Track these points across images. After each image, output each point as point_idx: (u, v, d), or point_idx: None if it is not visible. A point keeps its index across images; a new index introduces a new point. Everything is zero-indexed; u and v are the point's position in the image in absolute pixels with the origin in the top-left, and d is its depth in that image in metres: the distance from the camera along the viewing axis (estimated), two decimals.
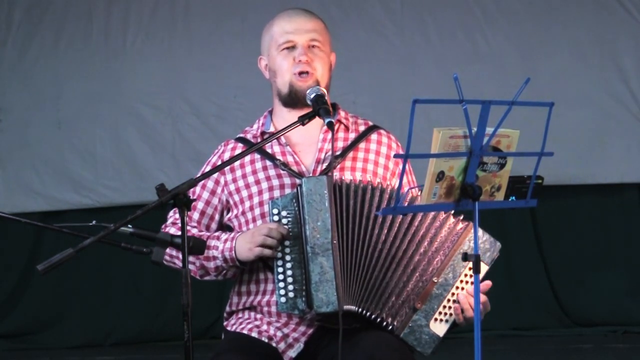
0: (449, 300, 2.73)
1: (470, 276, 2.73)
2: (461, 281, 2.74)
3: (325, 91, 2.85)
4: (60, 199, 6.43)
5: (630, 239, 6.35)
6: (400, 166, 2.37)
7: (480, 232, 2.71)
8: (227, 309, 2.94)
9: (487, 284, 2.76)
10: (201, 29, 6.38)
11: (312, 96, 2.82)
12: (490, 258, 2.75)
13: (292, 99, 2.90)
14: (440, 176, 2.32)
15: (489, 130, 2.34)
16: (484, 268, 2.74)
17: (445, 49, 6.25)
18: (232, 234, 2.85)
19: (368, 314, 2.72)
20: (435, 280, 2.72)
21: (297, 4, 3.25)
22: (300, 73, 2.87)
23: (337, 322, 2.64)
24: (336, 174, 2.83)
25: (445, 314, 2.74)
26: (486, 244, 2.74)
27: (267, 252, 2.72)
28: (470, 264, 2.70)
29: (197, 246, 2.53)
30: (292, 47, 2.90)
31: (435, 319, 2.73)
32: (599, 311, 6.24)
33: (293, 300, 2.71)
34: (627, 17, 6.21)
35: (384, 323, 2.72)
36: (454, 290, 2.74)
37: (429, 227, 2.75)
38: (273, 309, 2.81)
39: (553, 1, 6.25)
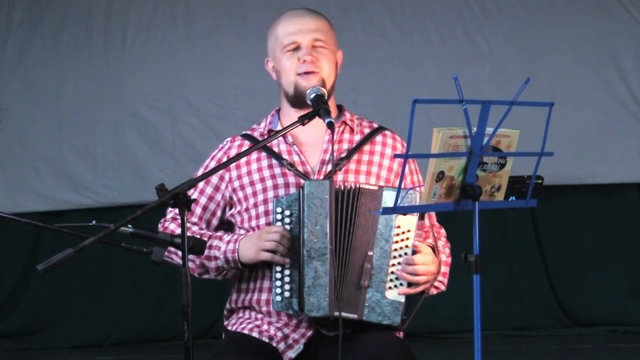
0: (393, 265, 2.72)
1: (403, 233, 2.71)
2: (396, 242, 2.72)
3: (325, 91, 2.84)
4: (60, 199, 6.43)
5: (630, 239, 6.35)
6: (406, 166, 2.37)
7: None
8: (227, 306, 2.95)
9: (415, 244, 2.73)
10: (201, 29, 6.38)
11: (312, 96, 2.82)
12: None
13: (298, 99, 2.89)
14: (440, 176, 2.32)
15: (489, 130, 2.34)
16: (412, 218, 2.72)
17: (445, 49, 6.25)
18: (235, 236, 2.85)
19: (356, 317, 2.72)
20: (371, 254, 2.72)
21: (298, 4, 3.25)
22: (306, 73, 2.87)
23: (330, 327, 2.67)
24: (340, 177, 2.84)
25: (397, 278, 2.73)
26: (404, 200, 2.70)
27: (278, 258, 2.73)
28: (397, 222, 2.71)
29: (197, 246, 2.53)
30: (297, 48, 2.89)
31: (390, 288, 2.72)
32: (599, 311, 6.25)
33: (288, 300, 2.72)
34: (627, 17, 6.21)
35: (350, 316, 2.71)
36: (393, 254, 2.72)
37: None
38: (271, 307, 2.81)
39: (553, 1, 6.25)
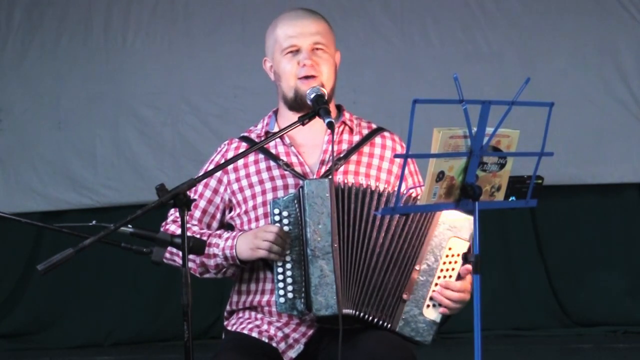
0: (436, 285, 2.73)
1: (452, 256, 2.72)
2: (444, 263, 2.73)
3: (325, 91, 2.84)
4: (60, 199, 6.43)
5: (630, 239, 6.35)
6: (406, 167, 2.37)
7: (452, 212, 2.70)
8: (228, 308, 2.95)
9: (468, 267, 2.73)
10: (201, 29, 6.38)
11: (311, 96, 2.82)
12: (468, 233, 2.73)
13: (298, 103, 2.89)
14: (441, 176, 2.32)
15: (489, 130, 2.34)
16: (465, 244, 2.72)
17: (445, 49, 6.25)
18: (234, 233, 2.85)
19: (367, 317, 2.72)
20: (417, 268, 2.72)
21: (298, 4, 3.24)
22: (306, 77, 2.86)
23: (336, 324, 2.64)
24: (339, 177, 2.83)
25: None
26: (460, 221, 2.72)
27: (274, 256, 2.72)
28: (450, 244, 2.71)
29: (197, 246, 2.53)
30: (297, 51, 2.89)
31: (428, 306, 2.74)
32: (599, 311, 6.25)
33: (292, 301, 2.72)
34: (627, 17, 6.21)
35: (384, 324, 2.72)
36: (439, 273, 2.73)
37: (417, 224, 2.75)
38: (273, 308, 2.81)
39: (553, 1, 6.25)
